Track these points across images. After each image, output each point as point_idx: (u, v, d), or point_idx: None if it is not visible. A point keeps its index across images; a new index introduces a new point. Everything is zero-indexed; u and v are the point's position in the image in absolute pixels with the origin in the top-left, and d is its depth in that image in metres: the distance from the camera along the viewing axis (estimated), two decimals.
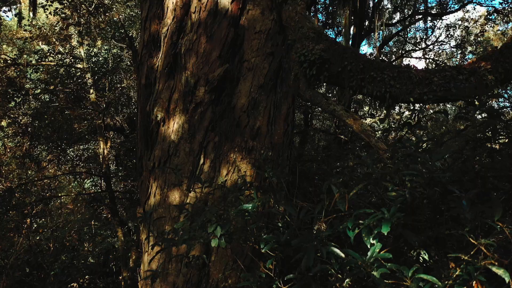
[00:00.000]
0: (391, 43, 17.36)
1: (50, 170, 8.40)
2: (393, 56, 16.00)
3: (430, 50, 17.34)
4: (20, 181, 7.00)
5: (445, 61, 17.97)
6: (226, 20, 4.72)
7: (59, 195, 8.34)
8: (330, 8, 12.08)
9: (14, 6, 11.48)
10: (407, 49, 17.15)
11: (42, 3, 8.31)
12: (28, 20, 9.48)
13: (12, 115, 7.67)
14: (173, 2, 4.74)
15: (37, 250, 7.01)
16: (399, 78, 4.05)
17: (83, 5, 7.67)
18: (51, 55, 8.32)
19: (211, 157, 4.72)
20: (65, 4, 7.45)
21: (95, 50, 9.25)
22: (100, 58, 9.11)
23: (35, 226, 7.87)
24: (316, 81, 4.25)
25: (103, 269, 8.91)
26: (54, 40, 8.30)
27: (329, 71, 4.24)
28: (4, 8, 10.21)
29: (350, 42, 11.85)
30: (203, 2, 4.64)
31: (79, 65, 8.48)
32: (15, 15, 9.85)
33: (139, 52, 5.37)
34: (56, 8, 7.84)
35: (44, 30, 8.13)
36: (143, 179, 5.09)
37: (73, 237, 8.15)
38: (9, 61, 7.68)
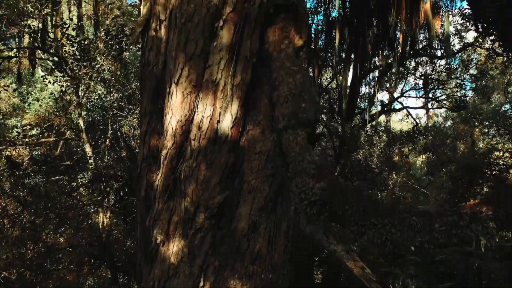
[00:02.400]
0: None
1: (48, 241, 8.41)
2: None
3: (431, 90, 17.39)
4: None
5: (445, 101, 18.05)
6: (226, 145, 4.72)
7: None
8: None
9: None
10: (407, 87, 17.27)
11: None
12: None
13: (9, 190, 7.71)
14: (172, 128, 4.74)
15: None
16: (400, 226, 4.02)
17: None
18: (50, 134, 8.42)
19: (210, 280, 4.70)
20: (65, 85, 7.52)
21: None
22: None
23: None
24: (316, 220, 4.23)
25: None
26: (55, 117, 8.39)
27: (329, 212, 4.22)
28: None
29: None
30: (203, 130, 4.64)
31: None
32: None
33: (139, 164, 5.37)
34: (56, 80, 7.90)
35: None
36: None
37: None
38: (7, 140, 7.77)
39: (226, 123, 4.67)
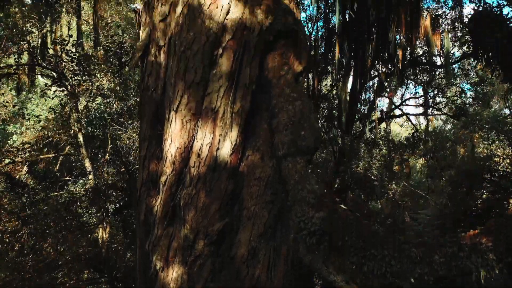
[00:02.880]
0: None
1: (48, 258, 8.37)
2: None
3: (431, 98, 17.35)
4: None
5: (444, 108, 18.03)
6: (225, 172, 4.71)
7: None
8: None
9: None
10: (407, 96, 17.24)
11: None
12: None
13: (9, 208, 7.69)
14: (171, 155, 4.73)
15: None
16: (400, 257, 4.02)
17: None
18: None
19: None
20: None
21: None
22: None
23: None
24: (315, 249, 4.21)
25: None
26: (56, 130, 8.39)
27: (329, 242, 4.20)
28: None
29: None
30: (202, 157, 4.63)
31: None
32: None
33: (138, 188, 5.36)
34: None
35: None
36: None
37: None
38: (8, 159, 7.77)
39: (225, 150, 4.66)
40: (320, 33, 12.57)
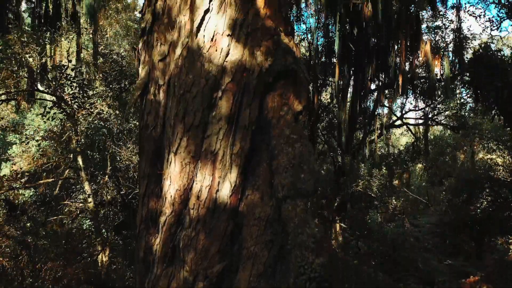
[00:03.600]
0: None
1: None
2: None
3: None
4: None
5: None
6: (225, 213, 4.69)
7: None
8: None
9: None
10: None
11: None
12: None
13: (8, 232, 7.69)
14: (171, 196, 4.71)
15: None
16: None
17: None
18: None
19: None
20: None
21: None
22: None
23: None
24: None
25: None
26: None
27: None
28: None
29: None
30: (202, 199, 4.61)
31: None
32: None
33: (138, 225, 5.34)
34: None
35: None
36: None
37: None
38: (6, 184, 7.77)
39: (225, 192, 4.64)
40: (320, 41, 12.57)
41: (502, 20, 14.02)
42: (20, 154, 9.40)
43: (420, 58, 7.39)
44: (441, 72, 7.66)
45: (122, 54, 8.77)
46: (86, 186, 8.44)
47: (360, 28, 7.49)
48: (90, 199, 8.50)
